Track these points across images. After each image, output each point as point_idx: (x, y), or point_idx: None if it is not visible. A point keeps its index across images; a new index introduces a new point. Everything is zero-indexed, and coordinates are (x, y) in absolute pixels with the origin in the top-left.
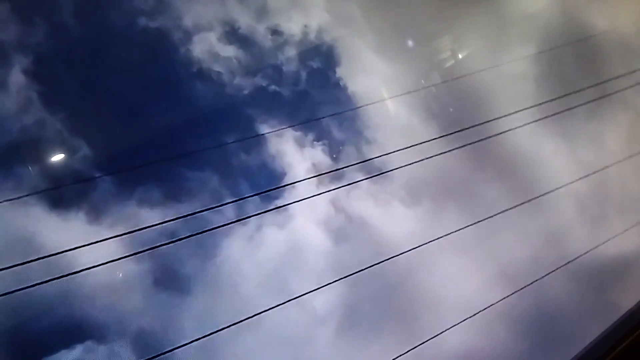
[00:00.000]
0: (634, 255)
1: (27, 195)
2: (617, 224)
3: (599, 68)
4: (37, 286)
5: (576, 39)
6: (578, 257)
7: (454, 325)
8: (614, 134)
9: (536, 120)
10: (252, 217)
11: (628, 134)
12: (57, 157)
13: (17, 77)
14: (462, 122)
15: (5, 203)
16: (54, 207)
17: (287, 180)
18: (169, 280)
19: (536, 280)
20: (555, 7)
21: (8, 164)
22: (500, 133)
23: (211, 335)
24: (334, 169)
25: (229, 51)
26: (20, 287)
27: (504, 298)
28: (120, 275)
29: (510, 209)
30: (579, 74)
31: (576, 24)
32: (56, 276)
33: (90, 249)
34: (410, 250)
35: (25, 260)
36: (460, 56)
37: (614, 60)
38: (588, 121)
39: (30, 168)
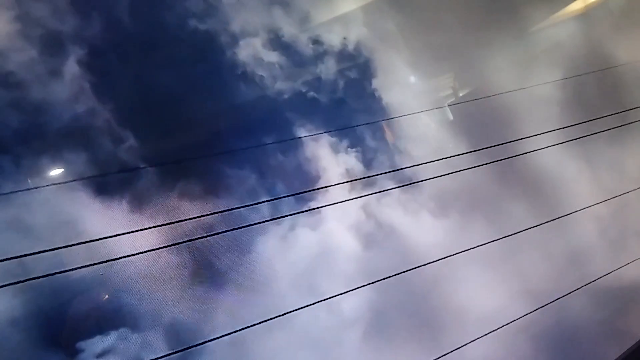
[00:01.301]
0: None
1: (73, 181)
2: (636, 248)
3: (621, 97)
4: (77, 270)
5: (599, 68)
6: (598, 278)
7: (478, 338)
8: (634, 161)
9: (561, 143)
10: (287, 217)
11: None
12: (105, 146)
13: (71, 67)
14: (490, 140)
15: (52, 187)
16: (98, 194)
17: (321, 184)
18: (205, 273)
19: (558, 299)
20: (582, 37)
21: (57, 149)
22: (527, 152)
23: (242, 331)
24: (367, 175)
25: (272, 57)
26: (60, 270)
27: (527, 314)
28: (159, 265)
29: (534, 226)
30: (601, 102)
31: (600, 54)
32: (96, 262)
33: (131, 237)
34: (437, 260)
35: (67, 244)
36: (490, 76)
37: (634, 91)
38: (610, 147)
39: (78, 155)
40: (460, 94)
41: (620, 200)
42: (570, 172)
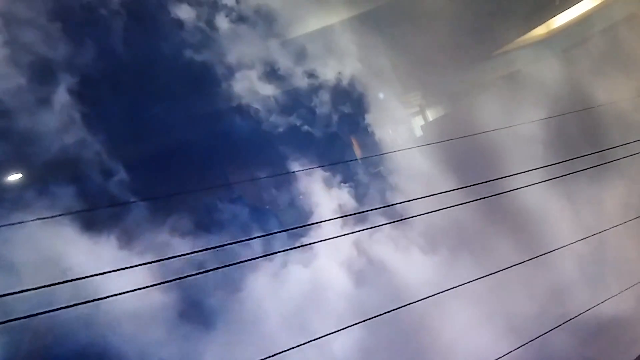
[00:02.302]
0: (629, 316)
1: (60, 215)
2: (613, 285)
3: (600, 137)
4: (61, 310)
5: (580, 108)
6: (579, 314)
7: None
8: (612, 199)
9: (544, 181)
10: (279, 254)
11: (624, 201)
12: (94, 179)
13: (62, 96)
14: (478, 177)
15: (37, 221)
16: (85, 229)
17: (313, 219)
18: (194, 313)
19: (540, 336)
20: (564, 78)
21: (44, 181)
22: (512, 190)
23: None
24: (359, 211)
25: (268, 90)
26: (43, 311)
27: (511, 352)
28: (147, 304)
29: (518, 264)
30: (582, 141)
31: (581, 95)
32: (82, 301)
33: (119, 275)
34: (426, 298)
35: (51, 283)
36: (478, 114)
37: (612, 130)
38: (589, 185)
39: (65, 188)
40: (450, 131)
41: (599, 237)
42: (553, 209)
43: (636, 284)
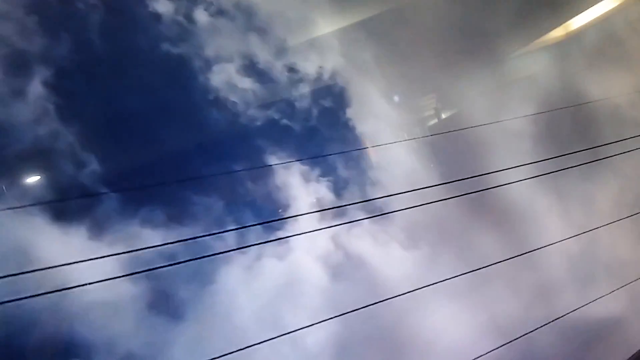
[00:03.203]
0: (620, 317)
1: (31, 205)
2: (604, 284)
3: (592, 133)
4: (29, 299)
5: (572, 104)
6: (566, 314)
7: None
8: (605, 197)
9: (532, 177)
10: (253, 247)
11: (617, 199)
12: (66, 170)
13: (36, 88)
14: (462, 172)
15: (8, 211)
16: (56, 219)
17: (290, 213)
18: (164, 304)
19: (525, 334)
20: (556, 73)
21: (16, 171)
22: (498, 186)
23: None
24: (337, 205)
25: (246, 83)
26: (11, 299)
27: (494, 350)
28: (116, 295)
29: (503, 260)
30: (573, 137)
31: (574, 90)
32: (50, 290)
33: (88, 265)
34: (405, 293)
35: (20, 271)
36: (465, 109)
37: (606, 127)
38: (581, 182)
39: (37, 178)
40: (434, 126)
41: (590, 236)
42: (541, 206)
43: (627, 284)
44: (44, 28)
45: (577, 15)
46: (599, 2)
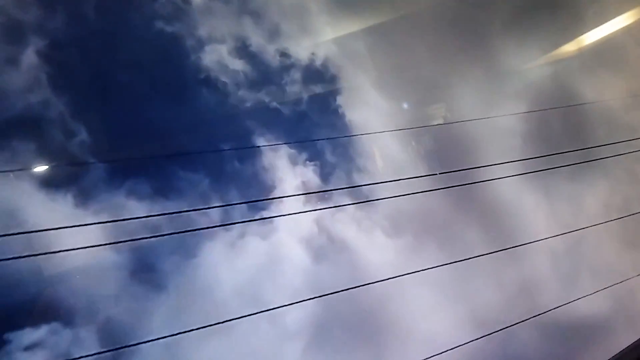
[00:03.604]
0: (603, 317)
1: (19, 170)
2: (588, 284)
3: (584, 134)
4: (14, 260)
5: (565, 104)
6: (548, 311)
7: None
8: (593, 198)
9: (520, 174)
10: (237, 224)
11: (606, 201)
12: (56, 138)
13: (30, 57)
14: (449, 165)
15: None
16: (43, 185)
17: (275, 194)
18: (146, 274)
19: (505, 328)
20: (549, 73)
21: (7, 137)
22: (485, 181)
23: (179, 335)
24: (323, 190)
25: (238, 65)
26: None
27: (473, 340)
28: (99, 262)
29: (486, 254)
30: (564, 137)
31: (567, 91)
32: (34, 253)
33: (73, 232)
34: (386, 279)
35: (5, 233)
36: (454, 103)
37: (598, 129)
38: (570, 182)
39: (27, 144)
40: (424, 118)
41: (576, 235)
42: (528, 203)
43: (612, 285)
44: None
45: (575, 19)
46: (597, 7)
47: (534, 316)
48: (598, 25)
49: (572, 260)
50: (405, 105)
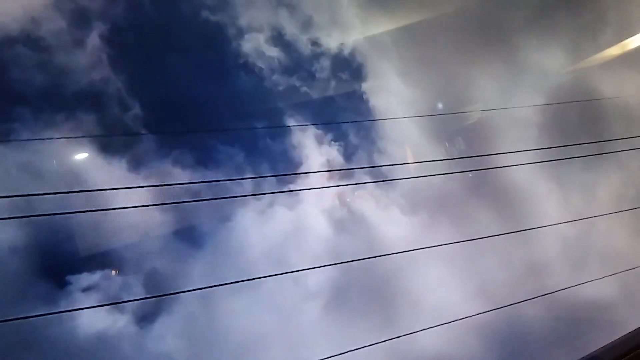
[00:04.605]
0: (609, 301)
1: (82, 137)
2: (596, 270)
3: (600, 128)
4: (75, 214)
5: (583, 99)
6: (555, 291)
7: (430, 327)
8: (606, 188)
9: (535, 162)
10: (267, 195)
11: (619, 192)
12: (113, 111)
13: (93, 39)
14: (465, 151)
15: (62, 139)
16: (102, 151)
17: (302, 169)
18: (187, 234)
19: (513, 304)
20: (568, 69)
21: (71, 108)
22: (500, 167)
23: (213, 288)
24: (345, 168)
25: (273, 52)
26: (61, 212)
27: (480, 313)
28: (147, 220)
29: (498, 235)
30: (580, 130)
31: (585, 87)
32: (93, 209)
33: (126, 193)
34: (401, 252)
35: (70, 190)
36: (474, 94)
37: (615, 124)
38: (583, 172)
39: (89, 115)
40: (444, 107)
41: (587, 222)
42: (541, 190)
43: (621, 272)
44: None
45: (596, 17)
46: (616, 3)
47: (541, 295)
48: (620, 24)
49: (581, 246)
50: (426, 94)
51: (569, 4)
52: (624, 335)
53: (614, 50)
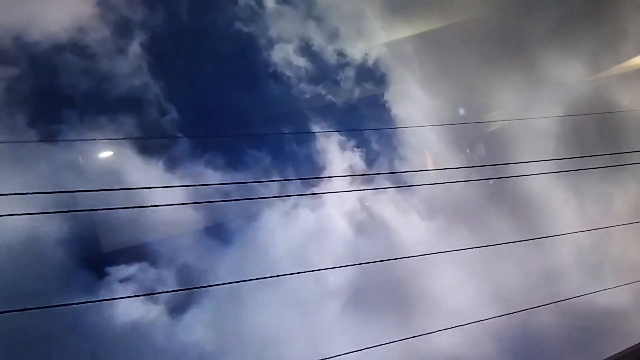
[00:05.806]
0: (623, 310)
1: (123, 139)
2: (611, 279)
3: (618, 140)
4: (114, 210)
5: (601, 111)
6: (569, 298)
7: (445, 329)
8: (622, 200)
9: (552, 172)
10: (292, 197)
11: (635, 203)
12: (152, 115)
13: (135, 48)
14: (484, 160)
15: (105, 141)
16: (141, 152)
17: (325, 174)
18: (216, 231)
19: (527, 309)
20: (587, 81)
21: (114, 112)
22: (518, 176)
23: (240, 283)
24: (367, 173)
25: (301, 62)
26: (102, 208)
27: (495, 317)
28: (180, 218)
29: (514, 241)
30: (598, 141)
31: (604, 99)
32: (131, 206)
33: (162, 192)
34: (418, 255)
35: (110, 188)
36: (493, 104)
37: (632, 136)
38: (601, 183)
39: (129, 118)
40: (464, 116)
41: (603, 232)
42: (558, 200)
43: (635, 281)
44: (146, 1)
45: (616, 31)
46: (636, 16)
47: (554, 302)
48: (639, 37)
49: (597, 255)
50: (447, 103)
51: (589, 17)
52: (636, 344)
53: (633, 63)
